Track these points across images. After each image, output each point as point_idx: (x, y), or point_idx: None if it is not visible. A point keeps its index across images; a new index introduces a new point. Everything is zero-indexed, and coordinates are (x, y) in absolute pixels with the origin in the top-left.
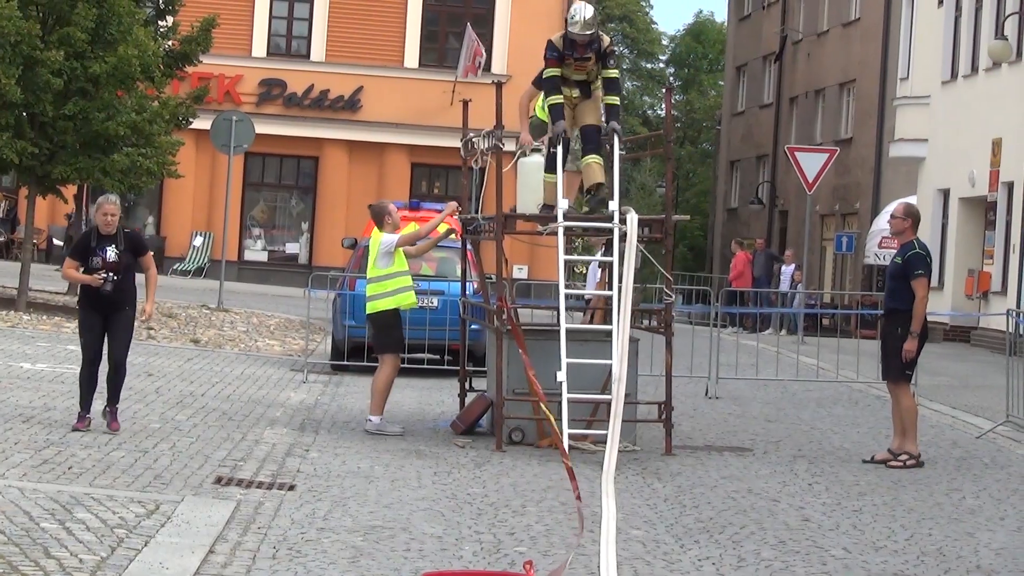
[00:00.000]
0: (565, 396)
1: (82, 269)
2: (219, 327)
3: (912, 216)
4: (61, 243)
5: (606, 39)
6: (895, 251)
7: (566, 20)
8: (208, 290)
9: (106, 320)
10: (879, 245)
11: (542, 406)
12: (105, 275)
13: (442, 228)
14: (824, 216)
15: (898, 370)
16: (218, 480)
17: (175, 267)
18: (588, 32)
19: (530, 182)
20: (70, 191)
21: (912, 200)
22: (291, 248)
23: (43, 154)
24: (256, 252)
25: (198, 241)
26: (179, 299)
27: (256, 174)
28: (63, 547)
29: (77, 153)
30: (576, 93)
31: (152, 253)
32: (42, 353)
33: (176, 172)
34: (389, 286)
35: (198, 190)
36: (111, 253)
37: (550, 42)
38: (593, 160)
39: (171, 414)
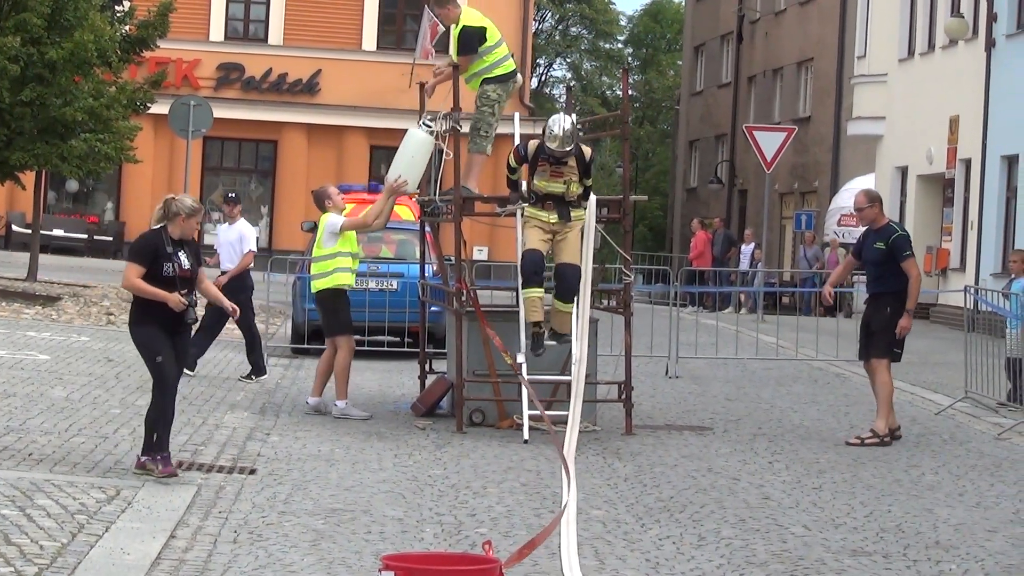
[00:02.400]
0: (524, 377)
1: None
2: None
3: (876, 200)
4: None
5: (588, 151)
6: (872, 235)
7: (543, 130)
8: None
9: (172, 336)
10: (838, 223)
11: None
12: (185, 296)
13: (402, 212)
14: (783, 195)
15: (887, 346)
16: (179, 465)
17: None
18: (567, 148)
19: (416, 156)
20: (28, 177)
21: (870, 178)
22: None
23: (0, 140)
24: (216, 236)
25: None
26: None
27: (215, 158)
28: (23, 533)
29: (35, 139)
30: (554, 219)
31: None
32: (1, 339)
33: (134, 157)
34: (328, 266)
35: (157, 175)
36: (185, 260)
37: (522, 145)
38: (562, 308)
39: (131, 399)
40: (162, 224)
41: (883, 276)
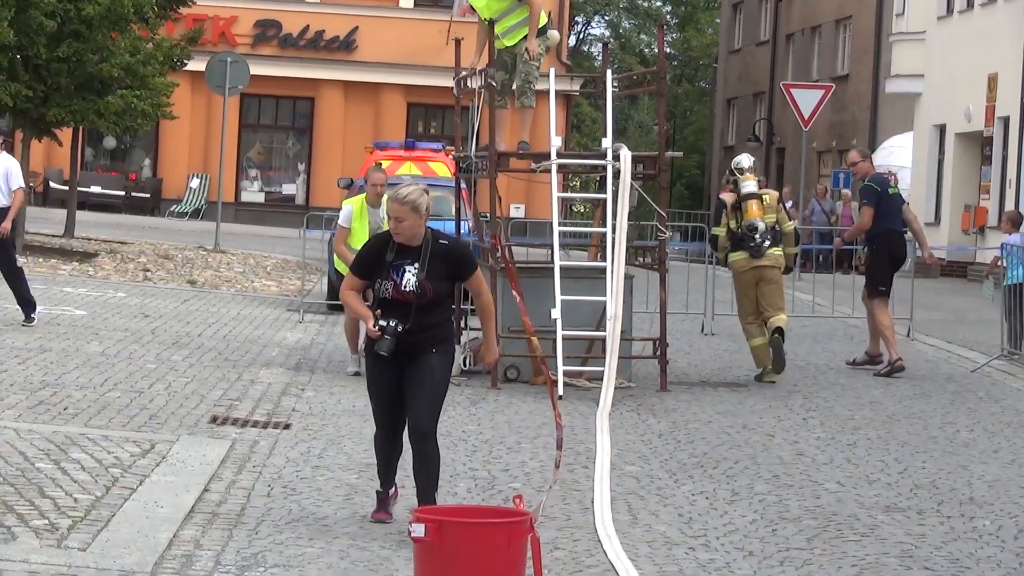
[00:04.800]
0: (560, 333)
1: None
2: (216, 268)
3: (868, 156)
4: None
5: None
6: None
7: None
8: (205, 231)
9: (402, 369)
10: None
11: (533, 341)
12: (386, 324)
13: (438, 168)
14: (821, 153)
15: (871, 285)
16: (213, 419)
17: (172, 209)
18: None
19: None
20: (65, 134)
21: (908, 136)
22: (287, 189)
23: (37, 97)
24: (253, 193)
25: (195, 183)
26: (176, 240)
27: (252, 115)
28: (58, 486)
29: (71, 95)
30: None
31: (479, 270)
32: (38, 296)
33: (171, 113)
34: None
35: (194, 132)
36: (409, 277)
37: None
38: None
39: (167, 354)
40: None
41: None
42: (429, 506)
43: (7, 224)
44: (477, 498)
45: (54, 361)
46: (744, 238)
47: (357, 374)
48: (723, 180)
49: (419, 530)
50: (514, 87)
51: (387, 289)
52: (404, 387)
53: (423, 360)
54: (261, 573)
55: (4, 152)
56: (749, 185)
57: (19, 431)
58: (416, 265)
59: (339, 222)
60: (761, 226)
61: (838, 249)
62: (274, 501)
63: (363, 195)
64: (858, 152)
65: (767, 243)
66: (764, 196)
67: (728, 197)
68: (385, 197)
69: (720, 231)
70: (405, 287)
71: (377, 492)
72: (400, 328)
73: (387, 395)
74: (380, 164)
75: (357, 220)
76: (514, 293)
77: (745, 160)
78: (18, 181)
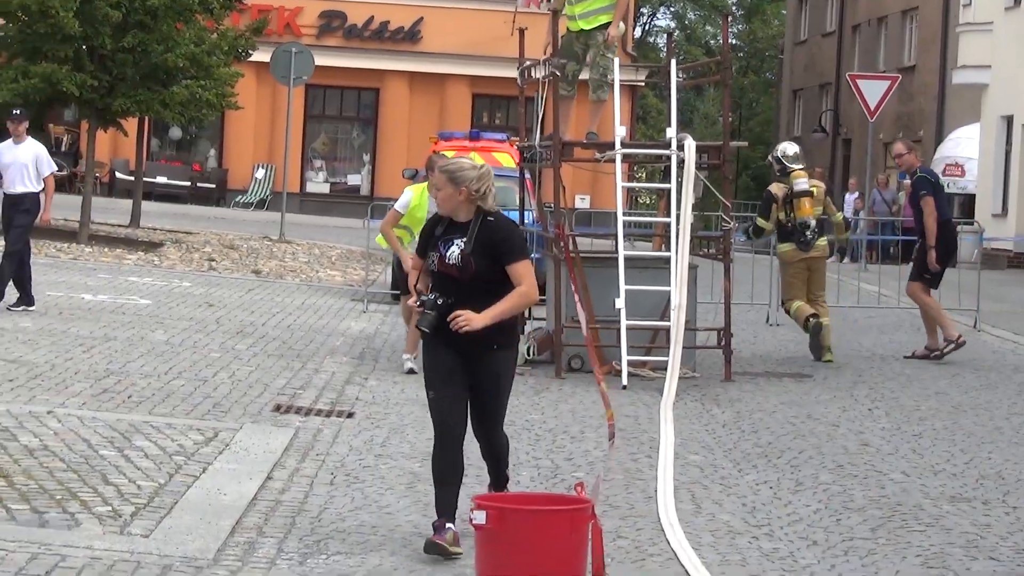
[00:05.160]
0: (624, 323)
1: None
2: (280, 258)
3: (913, 148)
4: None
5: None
6: (951, 179)
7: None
8: (270, 222)
9: (467, 363)
10: (943, 172)
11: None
12: (427, 298)
13: (502, 159)
14: (887, 144)
15: (918, 272)
16: (277, 408)
17: (237, 199)
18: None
19: None
20: (131, 124)
21: (975, 128)
22: (352, 179)
23: (103, 87)
24: (318, 184)
25: (260, 173)
26: (241, 230)
27: (317, 106)
28: (121, 474)
29: (137, 86)
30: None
31: (527, 261)
32: (103, 285)
33: (236, 104)
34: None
35: (259, 122)
36: (454, 250)
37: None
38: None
39: (231, 343)
40: None
41: (918, 216)
42: (488, 495)
43: (48, 214)
44: (540, 487)
45: (119, 349)
46: (794, 232)
47: (412, 371)
48: (768, 165)
49: (480, 517)
50: (588, 79)
51: (433, 261)
52: (473, 390)
53: (487, 362)
54: (324, 560)
55: (29, 137)
56: (801, 183)
57: (83, 419)
58: (464, 240)
59: (395, 206)
60: (813, 223)
61: (933, 263)
62: (337, 489)
63: (426, 183)
64: (904, 144)
65: (816, 238)
66: (814, 190)
67: (778, 190)
68: None
69: (767, 225)
70: (449, 259)
71: (433, 524)
72: (441, 302)
73: (452, 388)
74: (442, 153)
75: (417, 206)
76: (574, 286)
77: (790, 148)
78: (49, 167)
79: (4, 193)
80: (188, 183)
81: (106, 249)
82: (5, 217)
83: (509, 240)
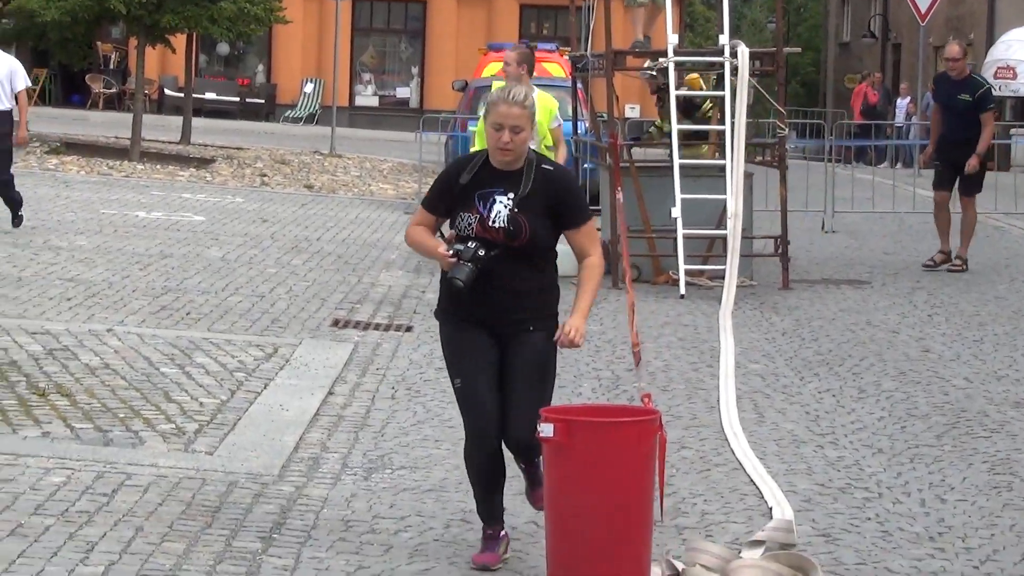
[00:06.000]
0: (680, 232)
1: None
2: (332, 172)
3: (966, 53)
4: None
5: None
6: (956, 85)
7: None
8: (320, 136)
9: (499, 345)
10: (995, 76)
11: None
12: (463, 247)
13: (553, 69)
14: (938, 48)
15: (974, 185)
16: (335, 323)
17: (287, 114)
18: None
19: None
20: (179, 41)
21: None
22: (402, 92)
23: (150, 3)
24: (367, 97)
25: (309, 88)
26: (291, 146)
27: (365, 19)
28: (183, 391)
29: (184, 1)
30: None
31: (592, 222)
32: (157, 202)
33: (283, 18)
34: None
35: (307, 37)
36: (500, 208)
37: None
38: None
39: (287, 259)
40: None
41: (970, 124)
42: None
43: (24, 131)
44: (602, 398)
45: (175, 267)
46: None
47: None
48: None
49: (548, 430)
50: None
51: (470, 223)
52: (503, 377)
53: (524, 341)
54: (388, 475)
55: (2, 52)
56: None
57: (143, 336)
58: (512, 195)
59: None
60: None
61: (974, 165)
62: (398, 403)
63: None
64: (959, 47)
65: None
66: None
67: None
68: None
69: None
70: (494, 221)
71: (484, 529)
72: (483, 252)
73: (482, 371)
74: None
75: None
76: (617, 204)
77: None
78: (24, 81)
79: None
80: (237, 99)
81: (158, 166)
82: None
83: (571, 192)
